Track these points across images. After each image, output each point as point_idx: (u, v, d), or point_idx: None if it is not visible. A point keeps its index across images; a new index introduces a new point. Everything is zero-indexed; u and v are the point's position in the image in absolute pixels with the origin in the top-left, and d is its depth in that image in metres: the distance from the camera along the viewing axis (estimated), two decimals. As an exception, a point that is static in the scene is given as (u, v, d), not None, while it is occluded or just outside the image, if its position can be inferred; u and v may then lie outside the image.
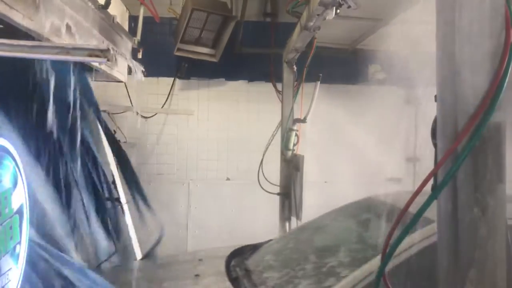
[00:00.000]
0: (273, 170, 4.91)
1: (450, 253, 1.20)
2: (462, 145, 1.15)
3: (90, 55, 1.45)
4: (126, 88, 4.90)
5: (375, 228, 2.44)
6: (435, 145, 1.29)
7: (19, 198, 1.55)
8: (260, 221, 4.92)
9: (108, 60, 1.47)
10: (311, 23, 3.13)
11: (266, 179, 5.02)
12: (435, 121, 1.29)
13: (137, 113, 5.07)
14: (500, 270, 1.14)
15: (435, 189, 1.22)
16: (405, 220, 1.28)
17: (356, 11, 3.78)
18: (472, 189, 1.15)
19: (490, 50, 1.11)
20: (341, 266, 2.15)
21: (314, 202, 5.09)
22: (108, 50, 1.47)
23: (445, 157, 1.16)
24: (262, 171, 5.03)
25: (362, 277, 2.03)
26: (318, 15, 2.95)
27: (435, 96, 1.29)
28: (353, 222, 2.74)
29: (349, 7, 2.94)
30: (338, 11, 2.94)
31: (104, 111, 4.44)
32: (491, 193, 1.14)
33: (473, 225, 1.15)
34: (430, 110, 1.40)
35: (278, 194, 4.78)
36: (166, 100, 5.31)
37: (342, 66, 5.29)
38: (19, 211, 1.55)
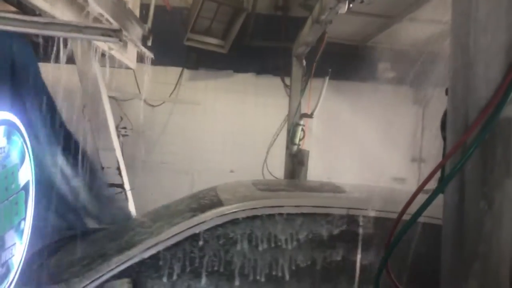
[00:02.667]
0: (277, 164, 4.90)
1: (454, 246, 1.19)
2: (472, 138, 1.14)
3: (103, 35, 1.45)
4: (135, 75, 4.91)
5: (173, 217, 2.32)
6: (444, 138, 1.28)
7: (25, 175, 1.55)
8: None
9: (120, 40, 1.47)
10: (323, 17, 3.12)
11: (270, 173, 5.02)
12: (445, 114, 1.28)
13: (145, 101, 5.07)
14: (504, 265, 1.14)
15: (442, 182, 1.21)
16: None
17: (368, 7, 3.76)
18: (480, 182, 1.14)
19: (505, 43, 1.10)
20: (111, 251, 2.09)
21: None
22: (120, 30, 1.47)
23: (454, 149, 1.15)
24: (267, 165, 5.02)
25: (113, 266, 1.95)
26: (330, 8, 2.94)
27: (446, 89, 1.28)
28: (168, 210, 2.62)
29: (362, 1, 2.93)
30: (351, 5, 2.93)
31: (112, 97, 4.45)
32: (498, 188, 1.13)
33: (479, 219, 1.14)
34: (437, 112, 1.39)
35: (281, 188, 4.77)
36: (174, 90, 5.31)
37: (351, 63, 5.26)
38: (25, 188, 1.56)
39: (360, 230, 2.10)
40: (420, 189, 1.27)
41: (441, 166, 1.21)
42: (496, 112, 1.12)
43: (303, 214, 2.12)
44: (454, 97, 1.21)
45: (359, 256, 2.05)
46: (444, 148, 1.27)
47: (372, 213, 2.12)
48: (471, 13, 1.12)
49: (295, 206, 2.16)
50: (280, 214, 2.12)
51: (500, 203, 1.13)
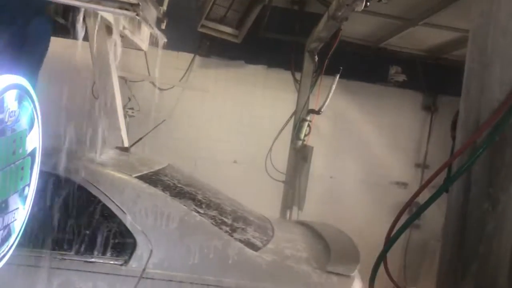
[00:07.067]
0: (281, 158, 4.90)
1: (455, 245, 1.20)
2: (482, 139, 1.14)
3: (121, 8, 1.45)
4: (146, 57, 4.90)
5: None
6: (453, 137, 1.29)
7: (33, 142, 1.56)
8: (262, 207, 4.92)
9: (137, 15, 1.47)
10: (340, 13, 3.11)
11: (273, 166, 5.02)
12: (456, 114, 1.28)
13: (154, 84, 5.06)
14: (503, 266, 1.14)
15: (448, 180, 1.21)
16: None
17: (385, 8, 3.74)
18: (486, 183, 1.15)
19: (524, 45, 1.10)
20: None
21: (318, 196, 5.10)
22: (138, 4, 1.47)
23: (463, 148, 1.15)
24: (270, 158, 5.02)
25: None
26: (347, 5, 2.93)
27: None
28: None
29: (379, 0, 2.92)
30: (368, 3, 2.91)
31: (122, 77, 4.45)
32: (504, 190, 1.13)
33: (481, 219, 1.15)
34: (446, 119, 1.38)
35: (283, 182, 4.78)
36: (184, 75, 5.31)
37: (363, 63, 5.25)
38: (32, 154, 1.57)
39: None
40: (423, 188, 1.27)
41: (448, 164, 1.21)
42: (508, 115, 1.12)
43: None
44: (467, 97, 1.21)
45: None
46: (453, 148, 1.27)
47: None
48: (492, 13, 1.12)
49: None
50: None
51: (504, 205, 1.13)
